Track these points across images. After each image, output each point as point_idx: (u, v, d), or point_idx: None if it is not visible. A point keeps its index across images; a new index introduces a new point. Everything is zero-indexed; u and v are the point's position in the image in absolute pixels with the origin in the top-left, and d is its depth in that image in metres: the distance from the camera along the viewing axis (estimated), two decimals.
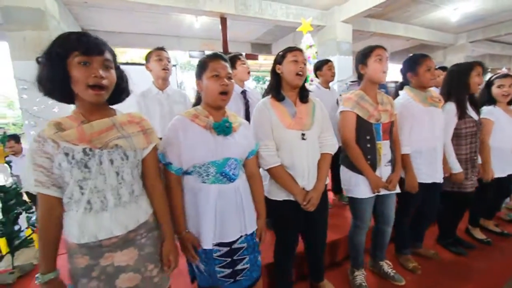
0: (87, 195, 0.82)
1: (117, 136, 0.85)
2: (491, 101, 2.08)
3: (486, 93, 2.12)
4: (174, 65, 4.42)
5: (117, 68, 0.88)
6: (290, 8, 5.39)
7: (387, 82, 4.98)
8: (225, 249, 1.11)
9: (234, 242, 1.12)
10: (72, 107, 0.87)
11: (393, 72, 2.38)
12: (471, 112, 1.86)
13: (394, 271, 1.77)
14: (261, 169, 1.35)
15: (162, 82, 1.94)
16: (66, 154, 0.79)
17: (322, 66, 2.57)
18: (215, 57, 1.09)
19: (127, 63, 5.26)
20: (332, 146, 1.43)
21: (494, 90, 2.06)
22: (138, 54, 10.48)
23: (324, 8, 5.68)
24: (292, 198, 1.35)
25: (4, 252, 1.85)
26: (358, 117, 1.48)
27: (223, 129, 1.07)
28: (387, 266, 1.80)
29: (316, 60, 3.86)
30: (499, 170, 2.05)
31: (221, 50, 5.15)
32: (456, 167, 1.82)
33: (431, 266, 1.92)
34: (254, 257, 1.18)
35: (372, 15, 5.90)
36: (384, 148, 1.52)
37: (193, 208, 1.09)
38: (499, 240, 2.25)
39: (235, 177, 1.11)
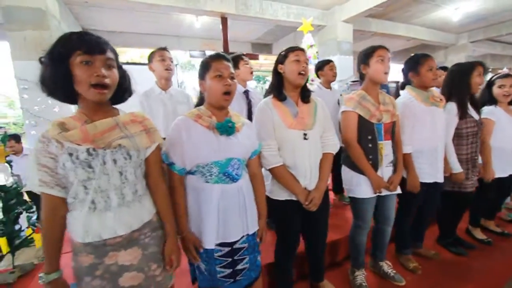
0: (91, 195, 0.83)
1: (120, 136, 0.85)
2: (492, 101, 2.08)
3: (487, 93, 2.12)
4: (175, 65, 4.41)
5: (120, 68, 0.89)
6: (291, 8, 5.38)
7: (388, 81, 4.98)
8: (227, 249, 1.11)
9: (235, 242, 1.12)
10: (72, 106, 0.88)
11: (394, 72, 2.38)
12: (471, 112, 1.86)
13: (394, 271, 1.77)
14: (263, 169, 1.35)
15: (165, 82, 1.94)
16: (70, 154, 0.80)
17: (324, 66, 2.57)
18: (218, 57, 1.10)
19: (127, 63, 5.26)
20: (334, 145, 1.43)
21: (495, 90, 2.06)
22: (138, 53, 10.49)
23: (325, 8, 5.67)
24: (294, 198, 1.35)
25: (4, 251, 1.85)
26: (359, 117, 1.48)
27: (226, 129, 1.08)
28: (387, 266, 1.80)
29: (316, 60, 3.86)
30: (500, 170, 2.05)
31: (222, 50, 5.15)
32: (457, 167, 1.82)
33: (431, 266, 1.91)
34: (254, 257, 1.19)
35: (373, 15, 5.89)
36: (385, 148, 1.52)
37: (196, 207, 1.09)
38: (500, 240, 2.25)
39: (238, 177, 1.11)
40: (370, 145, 1.49)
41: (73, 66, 0.77)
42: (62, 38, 0.79)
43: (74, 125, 0.81)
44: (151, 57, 1.92)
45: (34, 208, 2.15)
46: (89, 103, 0.83)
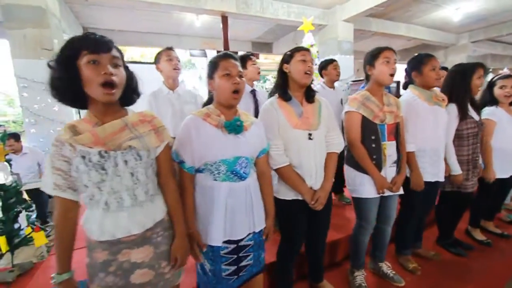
0: (105, 196, 0.85)
1: (129, 137, 0.86)
2: (493, 101, 2.08)
3: (488, 94, 2.11)
4: None
5: (126, 68, 0.90)
6: (291, 7, 5.38)
7: None
8: (232, 246, 1.12)
9: (241, 239, 1.13)
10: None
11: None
12: (472, 113, 1.86)
13: (393, 272, 1.77)
14: None
15: (173, 82, 1.94)
16: (83, 157, 0.81)
17: (327, 65, 2.57)
18: (226, 56, 1.10)
19: (127, 62, 5.26)
20: (338, 145, 1.44)
21: (496, 91, 2.05)
22: (138, 52, 10.48)
23: (326, 7, 5.67)
24: (300, 198, 1.36)
25: (4, 250, 1.85)
26: (363, 117, 1.49)
27: (234, 127, 1.08)
28: (386, 267, 1.80)
29: (317, 59, 3.86)
30: (501, 171, 2.05)
31: (222, 49, 5.14)
32: (456, 169, 1.81)
33: (431, 267, 1.91)
34: (258, 254, 1.21)
35: (373, 14, 5.89)
36: (389, 148, 1.52)
37: (203, 205, 1.10)
38: (499, 241, 2.25)
39: (246, 175, 1.12)
40: (373, 145, 1.50)
41: (80, 68, 0.78)
42: (68, 42, 0.81)
43: (85, 128, 0.83)
44: (158, 57, 1.92)
45: (34, 207, 2.14)
46: (99, 105, 0.84)
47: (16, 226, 1.97)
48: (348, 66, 5.81)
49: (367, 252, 1.73)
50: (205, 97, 1.58)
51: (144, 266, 0.91)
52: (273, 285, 1.64)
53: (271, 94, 1.48)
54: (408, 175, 1.66)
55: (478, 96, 2.05)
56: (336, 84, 2.67)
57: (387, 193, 1.55)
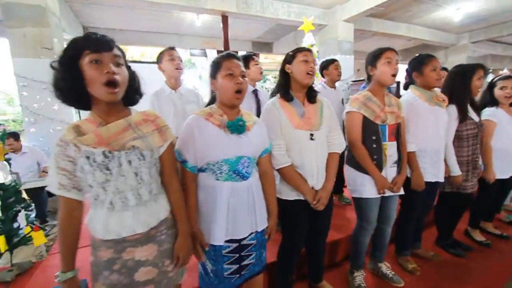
0: (110, 196, 0.85)
1: (133, 137, 0.87)
2: (494, 102, 2.08)
3: (488, 95, 2.11)
4: None
5: (129, 68, 0.90)
6: (291, 6, 5.37)
7: None
8: (234, 245, 1.12)
9: (243, 238, 1.13)
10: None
11: None
12: (471, 114, 1.85)
13: (393, 272, 1.77)
14: None
15: (175, 82, 1.94)
16: (87, 158, 0.82)
17: (329, 65, 2.57)
18: (228, 56, 1.11)
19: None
20: (339, 145, 1.44)
21: (497, 91, 2.05)
22: (138, 51, 10.47)
23: (326, 7, 5.66)
24: (302, 198, 1.36)
25: (3, 249, 1.85)
26: (364, 117, 1.49)
27: (237, 127, 1.09)
28: (385, 267, 1.80)
29: (317, 59, 3.85)
30: (501, 172, 2.05)
31: (222, 49, 5.14)
32: (455, 170, 1.81)
33: (430, 268, 1.91)
34: (260, 253, 1.21)
35: (374, 14, 5.88)
36: (390, 149, 1.52)
37: (205, 204, 1.11)
38: (498, 242, 2.25)
39: (248, 175, 1.12)
40: (374, 146, 1.50)
41: (83, 68, 0.78)
42: (70, 42, 0.81)
43: (89, 128, 0.84)
44: (160, 57, 1.92)
45: (33, 206, 2.14)
46: (102, 105, 0.85)
47: (15, 225, 1.97)
48: (348, 66, 5.80)
49: (366, 253, 1.73)
50: (205, 97, 1.58)
51: (148, 264, 0.92)
52: (273, 284, 1.64)
53: (273, 94, 1.49)
54: (408, 175, 1.66)
55: (478, 97, 2.05)
56: (337, 84, 2.67)
57: (388, 193, 1.55)
